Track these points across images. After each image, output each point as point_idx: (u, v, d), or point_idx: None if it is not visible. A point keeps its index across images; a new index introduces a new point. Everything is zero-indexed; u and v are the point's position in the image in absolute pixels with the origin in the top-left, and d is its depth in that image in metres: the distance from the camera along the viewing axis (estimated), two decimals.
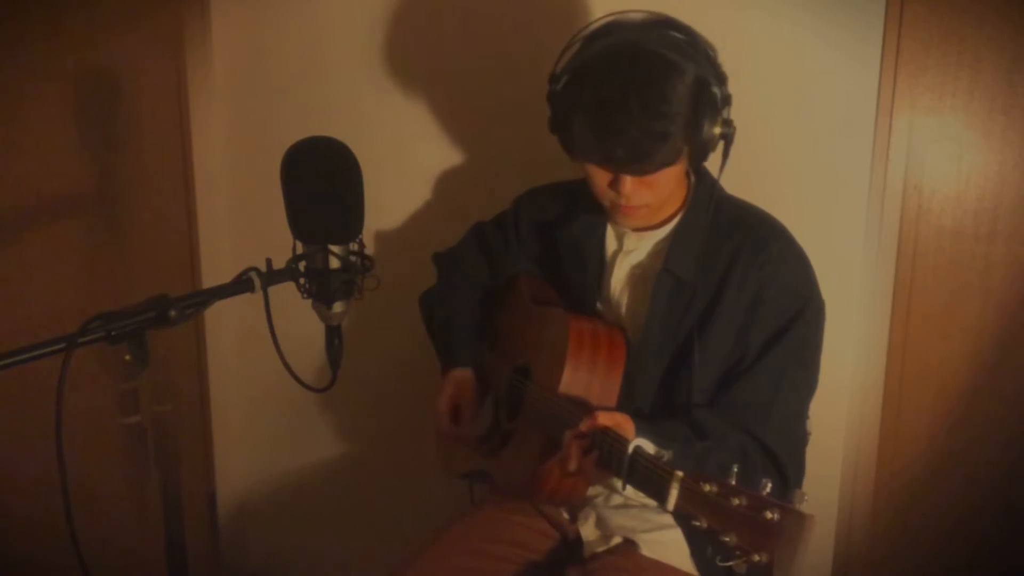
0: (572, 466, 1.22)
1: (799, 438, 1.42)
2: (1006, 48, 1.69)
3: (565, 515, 1.54)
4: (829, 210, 1.76)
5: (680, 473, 1.03)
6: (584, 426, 1.21)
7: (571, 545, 1.51)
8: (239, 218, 2.15)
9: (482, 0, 1.91)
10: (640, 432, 1.20)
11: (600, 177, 1.37)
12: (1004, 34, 1.69)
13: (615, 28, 1.34)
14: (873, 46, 1.71)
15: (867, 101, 1.72)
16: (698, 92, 1.28)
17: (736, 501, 0.96)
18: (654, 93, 1.26)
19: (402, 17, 1.96)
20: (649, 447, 1.13)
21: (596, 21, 1.37)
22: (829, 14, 1.70)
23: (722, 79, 1.34)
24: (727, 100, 1.33)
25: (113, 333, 1.05)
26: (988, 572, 1.85)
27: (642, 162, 1.30)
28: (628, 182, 1.34)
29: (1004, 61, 1.70)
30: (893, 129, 1.74)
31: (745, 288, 1.36)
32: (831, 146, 1.75)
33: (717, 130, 1.31)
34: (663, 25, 1.33)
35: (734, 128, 1.34)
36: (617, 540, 1.45)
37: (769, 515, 0.93)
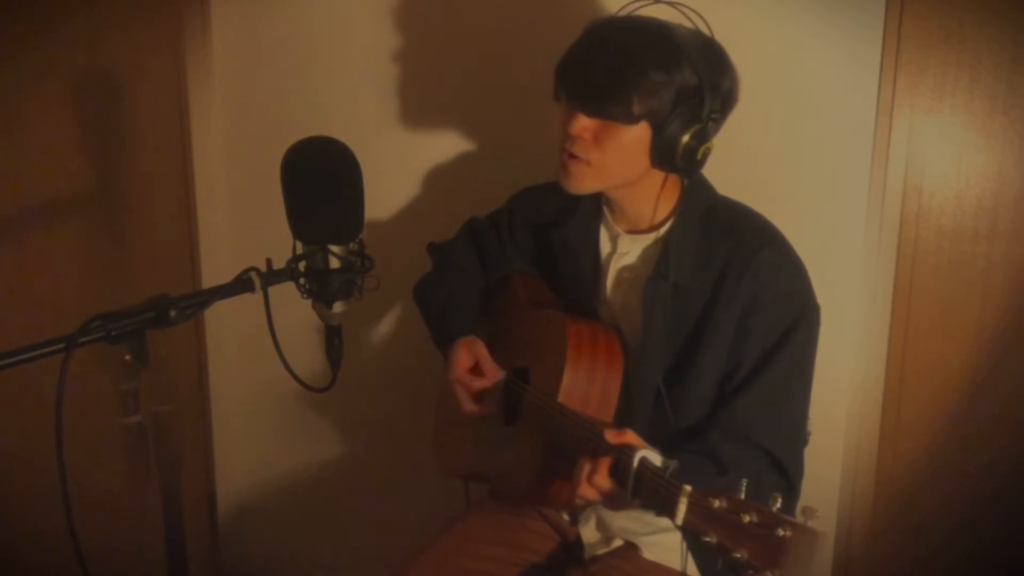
0: (589, 494, 1.20)
1: (802, 442, 1.43)
2: (1006, 48, 1.69)
3: (566, 517, 1.54)
4: (829, 210, 1.76)
5: (688, 487, 1.03)
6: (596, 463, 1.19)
7: (571, 547, 1.51)
8: (239, 218, 2.15)
9: (479, 5, 1.91)
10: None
11: (563, 116, 1.37)
12: (1004, 34, 1.69)
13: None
14: (873, 46, 1.71)
15: (867, 101, 1.72)
16: (689, 90, 1.29)
17: (747, 518, 0.95)
18: (639, 47, 1.29)
19: (402, 17, 1.96)
20: (656, 458, 1.13)
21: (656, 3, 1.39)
22: (829, 14, 1.70)
23: (721, 103, 1.34)
24: (712, 118, 1.33)
25: (113, 333, 1.05)
26: (988, 572, 1.85)
27: (593, 95, 1.31)
28: (578, 120, 1.34)
29: (1004, 61, 1.70)
30: (893, 129, 1.74)
31: (738, 294, 1.35)
32: (831, 146, 1.75)
33: (686, 138, 1.31)
34: (704, 38, 1.35)
35: (708, 149, 1.34)
36: (618, 542, 1.45)
37: (781, 532, 0.92)
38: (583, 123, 1.33)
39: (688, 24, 1.37)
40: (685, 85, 1.29)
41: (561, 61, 1.37)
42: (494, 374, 1.53)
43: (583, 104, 1.33)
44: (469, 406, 1.53)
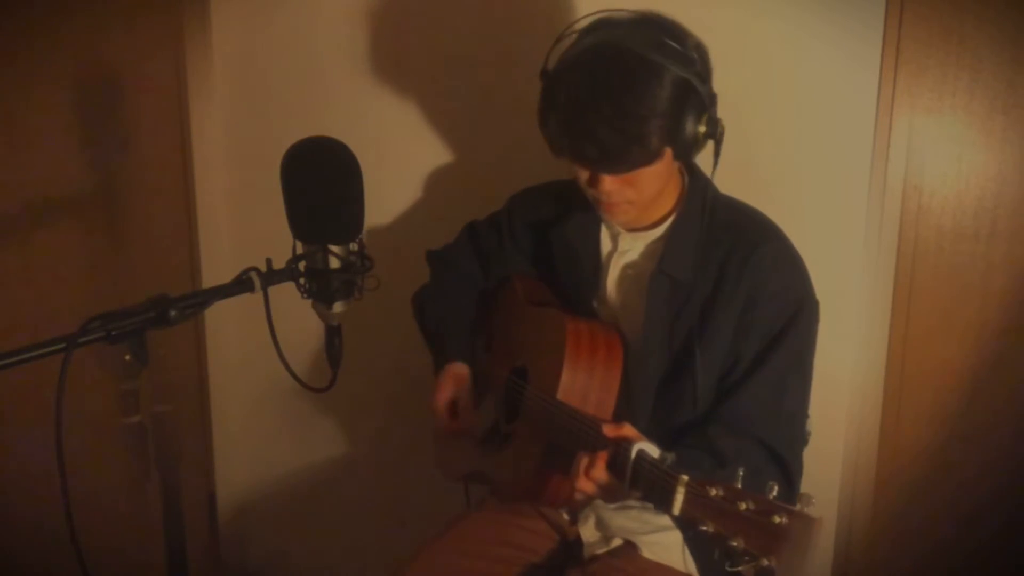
0: (586, 487, 1.20)
1: (801, 437, 1.43)
2: (1006, 48, 1.69)
3: (565, 516, 1.54)
4: (829, 210, 1.76)
5: (685, 477, 1.03)
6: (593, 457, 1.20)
7: (571, 547, 1.51)
8: (239, 218, 2.15)
9: (480, 5, 1.91)
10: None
11: (581, 173, 1.37)
12: (1004, 34, 1.69)
13: (601, 26, 1.34)
14: (873, 46, 1.71)
15: (867, 101, 1.72)
16: (680, 92, 1.27)
17: (743, 505, 0.96)
18: (627, 94, 1.26)
19: (401, 18, 1.96)
20: (653, 451, 1.13)
21: (585, 17, 1.36)
22: (829, 14, 1.70)
23: (707, 77, 1.32)
24: (712, 99, 1.32)
25: (113, 333, 1.05)
26: (988, 572, 1.85)
27: (614, 162, 1.30)
28: (606, 180, 1.34)
29: (1004, 61, 1.70)
30: (893, 129, 1.74)
31: (738, 290, 1.36)
32: (831, 146, 1.75)
33: (702, 129, 1.30)
34: (648, 23, 1.32)
35: (722, 127, 1.33)
36: (617, 542, 1.45)
37: (777, 519, 0.93)
38: (609, 183, 1.34)
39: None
40: (677, 92, 1.27)
41: (556, 136, 1.33)
42: (468, 420, 1.57)
43: (607, 171, 1.33)
44: (446, 428, 1.58)
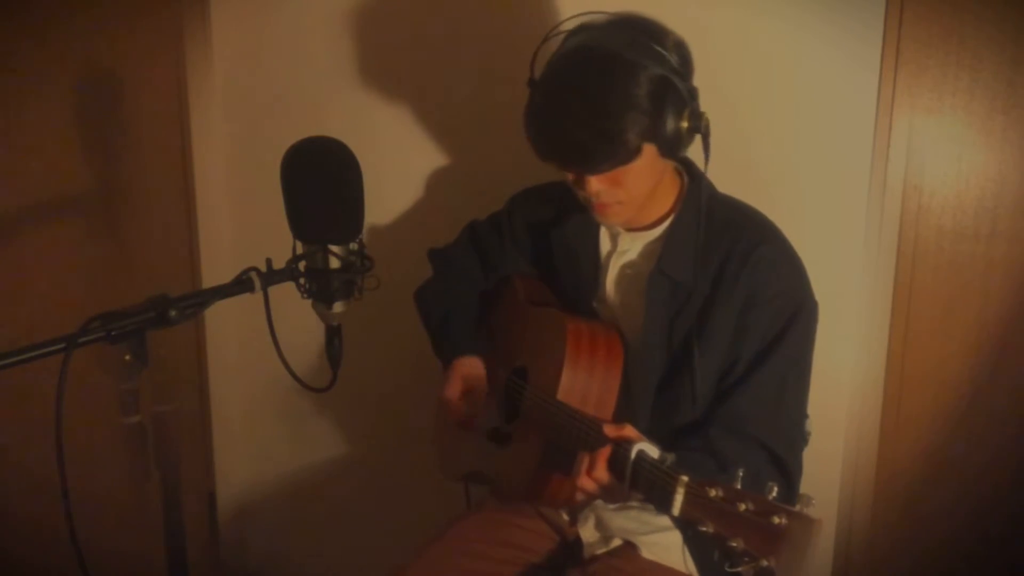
0: (588, 487, 1.20)
1: (800, 438, 1.43)
2: (1006, 48, 1.69)
3: (565, 517, 1.54)
4: (829, 210, 1.76)
5: (685, 478, 1.03)
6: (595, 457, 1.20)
7: (571, 547, 1.51)
8: (239, 218, 2.15)
9: (480, 5, 1.91)
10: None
11: (568, 176, 1.38)
12: (1004, 34, 1.69)
13: (580, 30, 1.34)
14: (873, 46, 1.71)
15: (867, 101, 1.72)
16: (657, 89, 1.26)
17: (743, 506, 0.96)
18: (600, 94, 1.26)
19: (401, 18, 1.96)
20: (653, 451, 1.13)
21: (566, 21, 1.37)
22: (829, 14, 1.70)
23: (686, 73, 1.32)
24: (693, 93, 1.32)
25: (113, 333, 1.05)
26: (988, 572, 1.85)
27: (594, 163, 1.31)
28: (592, 181, 1.34)
29: (1004, 61, 1.70)
30: (893, 129, 1.74)
31: (737, 290, 1.36)
32: (831, 146, 1.75)
33: (684, 124, 1.30)
34: (625, 24, 1.32)
35: (706, 120, 1.32)
36: (617, 542, 1.45)
37: (777, 520, 0.93)
38: (595, 184, 1.34)
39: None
40: (654, 89, 1.26)
41: (537, 141, 1.34)
42: (481, 408, 1.56)
43: (588, 172, 1.33)
44: (461, 419, 1.57)
